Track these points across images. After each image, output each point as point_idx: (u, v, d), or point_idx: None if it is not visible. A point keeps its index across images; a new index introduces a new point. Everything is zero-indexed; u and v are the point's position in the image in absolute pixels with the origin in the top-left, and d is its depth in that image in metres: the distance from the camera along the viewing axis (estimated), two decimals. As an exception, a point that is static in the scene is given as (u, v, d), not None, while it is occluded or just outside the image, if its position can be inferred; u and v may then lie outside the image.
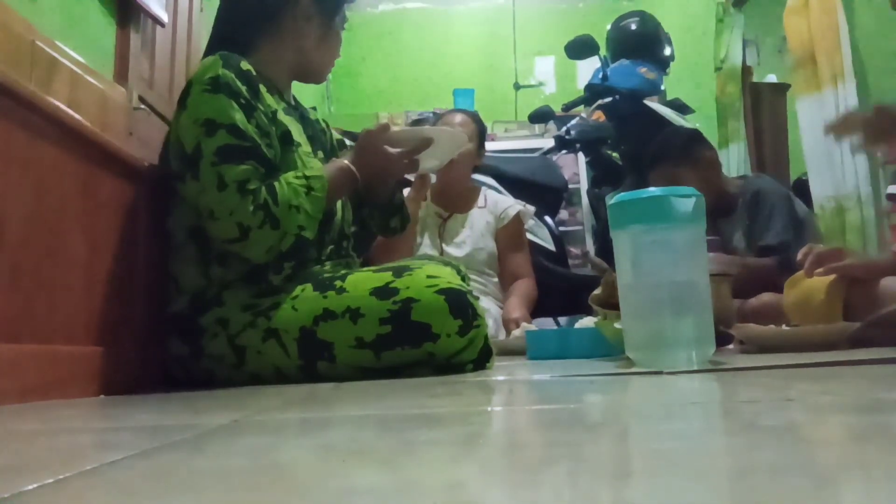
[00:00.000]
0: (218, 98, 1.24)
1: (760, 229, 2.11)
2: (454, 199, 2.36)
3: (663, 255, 1.07)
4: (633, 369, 1.08)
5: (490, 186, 2.60)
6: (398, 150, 1.37)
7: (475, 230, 2.32)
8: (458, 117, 2.32)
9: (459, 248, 2.27)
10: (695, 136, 2.32)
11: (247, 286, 1.29)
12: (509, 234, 2.35)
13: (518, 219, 2.37)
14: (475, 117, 2.39)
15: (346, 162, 1.36)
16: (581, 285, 2.46)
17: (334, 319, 1.23)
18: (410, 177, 1.78)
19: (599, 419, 0.64)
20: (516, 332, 1.96)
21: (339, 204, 1.43)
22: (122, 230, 1.24)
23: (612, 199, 1.15)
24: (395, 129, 1.41)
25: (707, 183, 2.07)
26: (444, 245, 2.28)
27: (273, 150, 1.28)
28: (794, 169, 3.39)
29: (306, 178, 1.28)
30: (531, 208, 2.47)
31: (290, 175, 1.27)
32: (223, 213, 1.21)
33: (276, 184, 1.24)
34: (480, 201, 2.39)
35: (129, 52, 1.44)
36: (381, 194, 1.49)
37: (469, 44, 4.91)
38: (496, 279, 2.32)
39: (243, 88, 1.27)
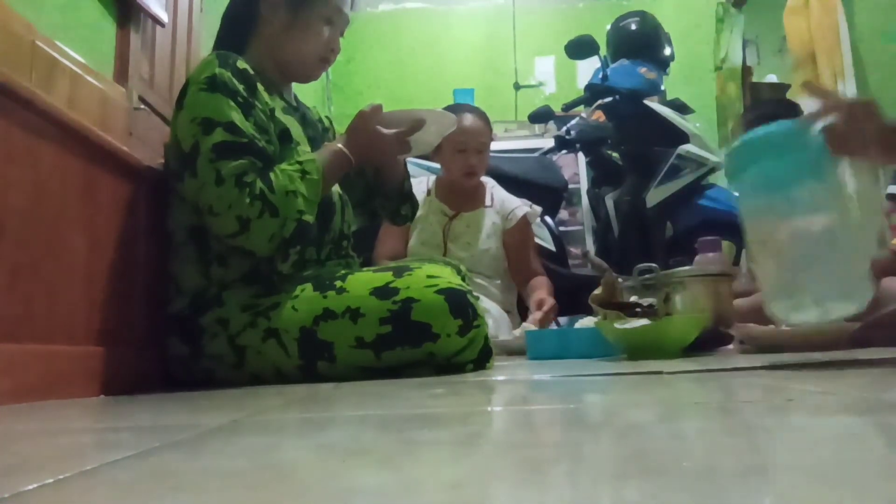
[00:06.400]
0: (215, 97, 1.24)
1: None
2: (461, 196, 2.31)
3: (797, 203, 0.99)
4: (634, 369, 1.08)
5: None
6: (391, 130, 1.37)
7: (482, 230, 2.28)
8: (469, 118, 2.24)
9: (465, 249, 2.24)
10: None
11: (247, 286, 1.29)
12: (518, 235, 2.32)
13: (525, 220, 2.34)
14: (487, 120, 2.32)
15: (338, 145, 1.36)
16: (581, 285, 2.45)
17: (334, 319, 1.23)
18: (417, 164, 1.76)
19: (599, 419, 0.64)
20: (517, 332, 1.96)
21: (338, 204, 1.43)
22: (122, 230, 1.24)
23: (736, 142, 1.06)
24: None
25: None
26: (448, 244, 2.24)
27: (272, 147, 1.29)
28: (793, 169, 3.38)
29: (299, 163, 1.28)
30: (538, 209, 2.44)
31: (283, 164, 1.27)
32: (222, 207, 1.21)
33: (270, 173, 1.24)
34: (487, 200, 2.34)
35: (129, 52, 1.44)
36: (389, 180, 1.51)
37: (469, 44, 4.90)
38: (499, 280, 2.30)
39: (241, 87, 1.27)
